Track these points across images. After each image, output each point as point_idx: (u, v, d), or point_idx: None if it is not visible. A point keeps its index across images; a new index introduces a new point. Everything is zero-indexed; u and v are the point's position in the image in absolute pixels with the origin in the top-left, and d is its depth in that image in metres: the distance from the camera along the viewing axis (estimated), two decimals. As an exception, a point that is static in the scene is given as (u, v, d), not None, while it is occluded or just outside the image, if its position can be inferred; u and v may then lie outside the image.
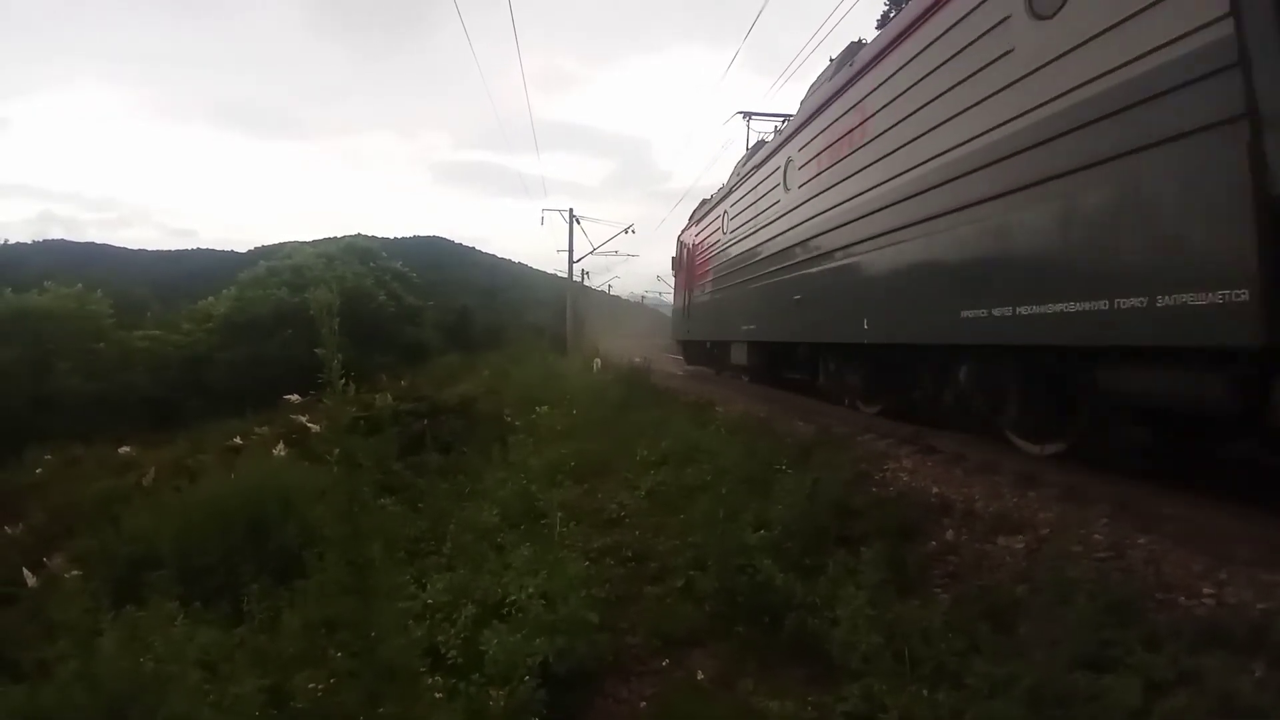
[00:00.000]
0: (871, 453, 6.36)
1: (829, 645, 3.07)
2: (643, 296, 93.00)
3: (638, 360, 17.45)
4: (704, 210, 18.50)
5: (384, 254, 39.97)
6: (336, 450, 3.55)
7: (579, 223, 38.15)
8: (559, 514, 5.43)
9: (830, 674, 3.01)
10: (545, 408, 10.71)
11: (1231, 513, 4.40)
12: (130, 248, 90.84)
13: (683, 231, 21.56)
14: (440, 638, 3.68)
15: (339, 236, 46.64)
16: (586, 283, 59.00)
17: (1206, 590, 3.36)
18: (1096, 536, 3.97)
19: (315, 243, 44.36)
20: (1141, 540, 3.92)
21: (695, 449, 6.82)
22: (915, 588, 3.66)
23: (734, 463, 5.80)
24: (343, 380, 3.48)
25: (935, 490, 5.04)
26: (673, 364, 24.47)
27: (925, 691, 2.64)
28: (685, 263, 20.48)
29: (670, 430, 8.01)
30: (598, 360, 19.38)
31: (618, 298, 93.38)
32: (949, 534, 4.28)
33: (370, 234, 56.50)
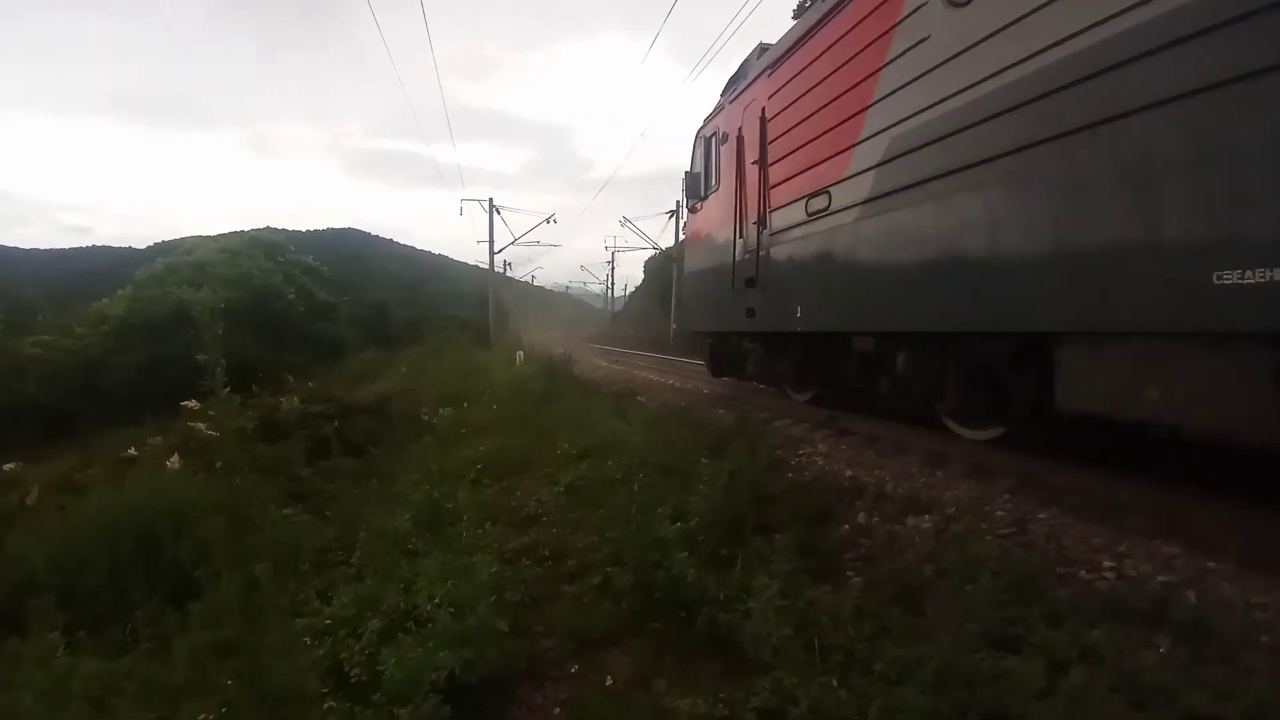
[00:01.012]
0: (788, 438, 6.42)
1: (742, 638, 3.04)
2: (567, 286, 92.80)
3: (561, 352, 17.24)
4: (791, 44, 7.55)
5: (292, 248, 38.52)
6: (218, 463, 3.33)
7: (499, 213, 37.66)
8: (475, 515, 5.29)
9: (744, 668, 2.98)
10: (465, 404, 10.46)
11: (1129, 483, 4.57)
12: (22, 247, 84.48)
13: (717, 114, 10.11)
14: (344, 655, 3.50)
15: (245, 230, 44.63)
16: (509, 274, 58.30)
17: (1107, 563, 3.45)
18: (999, 513, 4.07)
19: (218, 237, 42.29)
20: (1042, 515, 4.04)
21: (617, 441, 6.74)
22: (828, 573, 3.67)
23: (654, 454, 5.74)
24: (227, 387, 3.27)
25: (848, 473, 5.11)
26: (598, 354, 24.26)
27: (835, 681, 2.62)
28: (736, 171, 9.03)
29: (592, 422, 7.90)
30: (520, 353, 19.02)
31: (542, 288, 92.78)
32: (861, 517, 4.33)
33: (280, 227, 54.08)
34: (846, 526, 4.24)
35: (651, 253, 48.04)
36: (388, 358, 24.31)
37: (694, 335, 13.00)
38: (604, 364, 20.04)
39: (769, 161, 7.85)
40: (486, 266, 40.14)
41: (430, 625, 3.43)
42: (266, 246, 36.49)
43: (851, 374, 7.12)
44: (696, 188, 10.78)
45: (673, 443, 6.03)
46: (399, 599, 3.88)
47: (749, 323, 8.58)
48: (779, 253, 7.75)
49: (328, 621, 3.75)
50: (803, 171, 7.12)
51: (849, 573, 3.73)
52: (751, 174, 8.39)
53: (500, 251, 39.90)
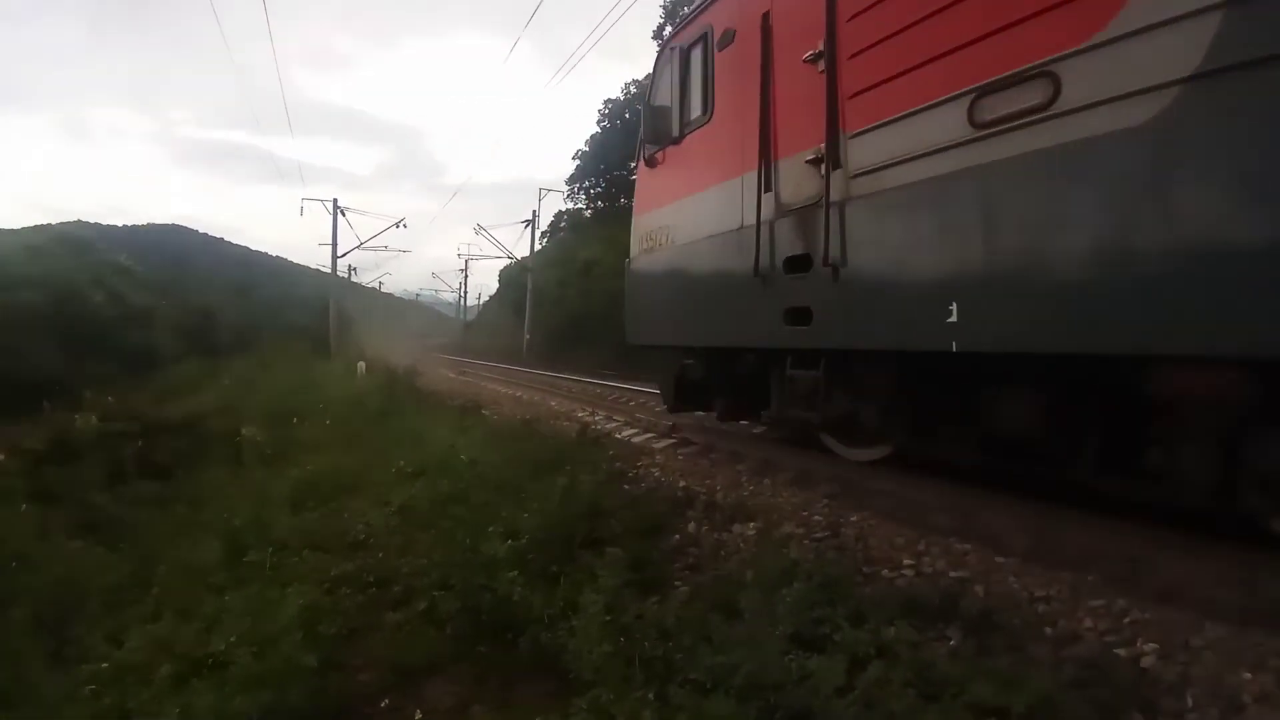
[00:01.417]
0: (629, 449, 6.50)
1: (567, 657, 3.02)
2: (417, 294, 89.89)
3: (407, 363, 16.61)
4: None
5: (104, 245, 34.98)
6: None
7: (344, 214, 35.84)
8: (295, 541, 4.98)
9: (568, 688, 2.95)
10: (295, 420, 9.82)
11: (935, 485, 4.95)
12: None
13: (707, 7, 6.61)
14: (132, 705, 3.18)
15: (52, 224, 40.06)
16: (354, 279, 55.81)
17: (907, 561, 3.69)
18: (816, 518, 4.30)
19: (20, 231, 37.70)
20: (854, 518, 4.29)
21: (456, 457, 6.56)
22: (657, 585, 3.72)
23: (492, 470, 5.64)
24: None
25: (682, 483, 5.23)
26: (447, 365, 23.58)
27: (651, 695, 2.65)
28: (764, 82, 5.50)
29: (432, 438, 7.66)
30: (362, 364, 18.11)
31: (390, 295, 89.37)
32: (691, 526, 4.43)
33: (93, 221, 48.92)
34: (677, 537, 4.32)
35: (507, 262, 47.54)
36: (211, 369, 22.44)
37: (650, 353, 8.37)
38: (452, 376, 19.49)
39: (849, 52, 4.69)
40: (329, 271, 38.12)
41: (232, 667, 3.18)
42: (74, 243, 32.93)
43: (1066, 433, 3.99)
44: (663, 126, 7.03)
45: (513, 458, 5.94)
46: (199, 639, 3.57)
47: (793, 332, 5.16)
48: (882, 205, 4.47)
49: (105, 666, 3.39)
50: (955, 50, 3.95)
51: (677, 583, 3.80)
52: (797, 81, 5.17)
53: (345, 255, 37.96)
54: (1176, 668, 2.55)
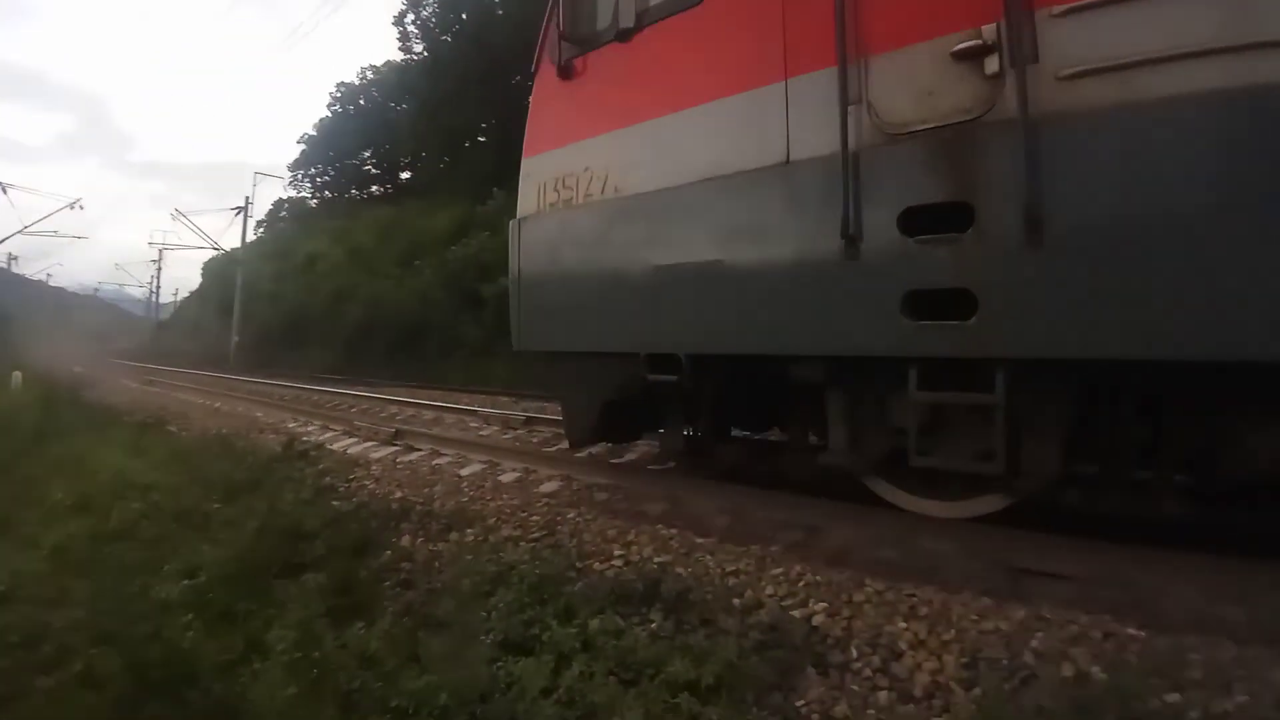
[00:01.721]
0: (342, 462, 6.06)
1: (249, 705, 2.72)
2: (96, 288, 77.25)
3: (78, 371, 14.07)
4: None
5: None
6: None
7: (5, 191, 29.51)
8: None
9: (253, 739, 2.67)
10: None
11: (649, 475, 5.20)
12: None
13: None
14: None
15: None
16: (16, 270, 46.75)
17: (617, 552, 3.78)
18: (535, 518, 4.31)
19: None
20: (571, 514, 4.37)
21: (130, 484, 5.66)
22: (365, 607, 3.50)
23: (172, 496, 4.94)
24: None
25: (398, 494, 4.99)
26: (133, 373, 20.32)
27: (347, 732, 2.48)
28: None
29: (101, 462, 6.54)
30: (18, 374, 14.99)
31: (61, 290, 76.06)
32: (405, 540, 4.23)
33: None
34: (389, 553, 4.10)
35: (213, 253, 42.22)
36: None
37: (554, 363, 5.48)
38: (135, 385, 16.84)
39: None
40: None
41: None
42: None
43: None
44: (594, 16, 4.99)
45: (201, 480, 5.26)
46: None
47: (929, 331, 3.37)
48: (1147, 124, 2.76)
49: None
50: None
51: (387, 603, 3.60)
52: None
53: (2, 242, 31.22)
54: (842, 623, 2.84)
